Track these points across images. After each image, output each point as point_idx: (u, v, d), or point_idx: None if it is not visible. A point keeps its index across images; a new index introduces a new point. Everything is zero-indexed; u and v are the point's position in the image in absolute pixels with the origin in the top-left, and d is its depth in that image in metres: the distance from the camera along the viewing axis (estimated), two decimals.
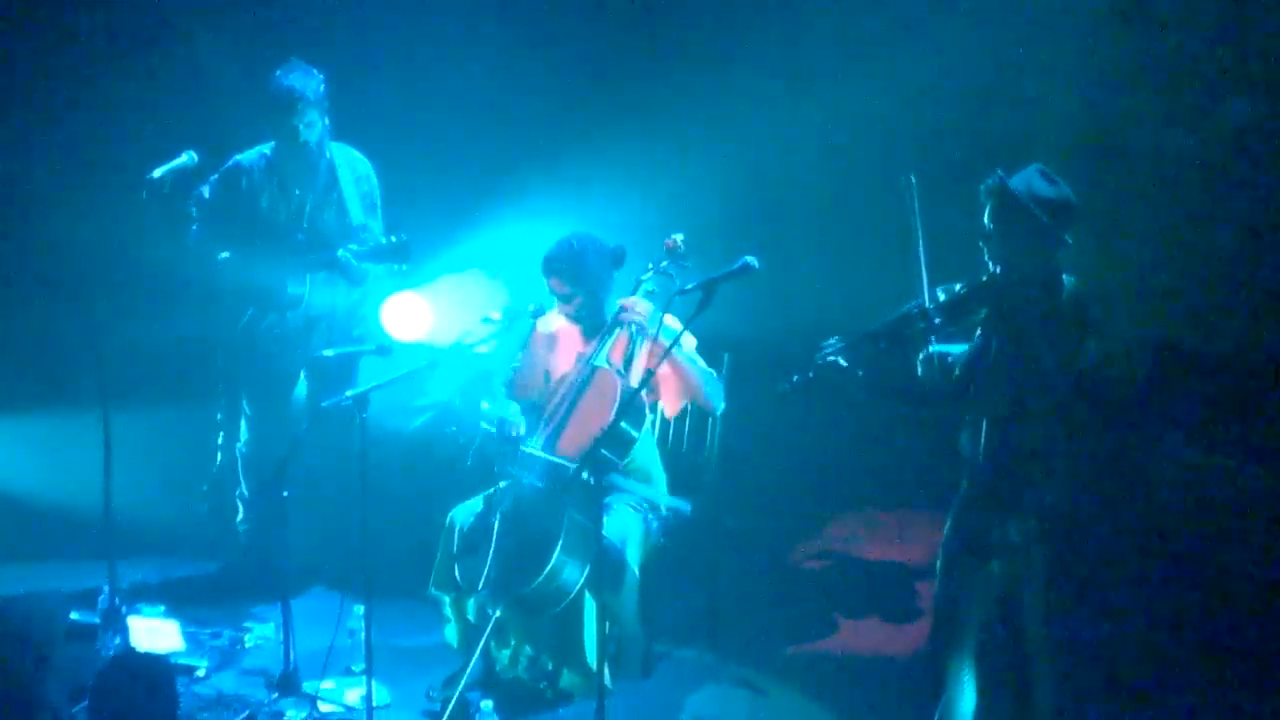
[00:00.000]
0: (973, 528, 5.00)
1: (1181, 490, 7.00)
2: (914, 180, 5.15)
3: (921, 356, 5.09)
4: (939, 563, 5.08)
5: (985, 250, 5.01)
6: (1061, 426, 5.03)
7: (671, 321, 5.82)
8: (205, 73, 7.86)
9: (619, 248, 6.12)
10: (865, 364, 5.05)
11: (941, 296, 5.04)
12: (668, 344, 5.57)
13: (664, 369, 5.84)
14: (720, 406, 6.10)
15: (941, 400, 5.10)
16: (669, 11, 7.88)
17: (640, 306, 5.98)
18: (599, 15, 7.90)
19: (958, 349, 5.06)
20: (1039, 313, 4.92)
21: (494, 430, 6.06)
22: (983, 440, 4.99)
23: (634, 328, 5.99)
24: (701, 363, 6.05)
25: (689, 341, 6.03)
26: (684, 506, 5.97)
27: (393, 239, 6.72)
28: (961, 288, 5.05)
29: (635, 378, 5.93)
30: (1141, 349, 7.49)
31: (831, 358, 5.03)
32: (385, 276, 7.04)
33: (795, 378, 5.09)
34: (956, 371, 5.01)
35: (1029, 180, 4.93)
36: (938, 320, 4.99)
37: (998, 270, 4.98)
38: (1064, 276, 5.03)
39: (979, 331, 4.99)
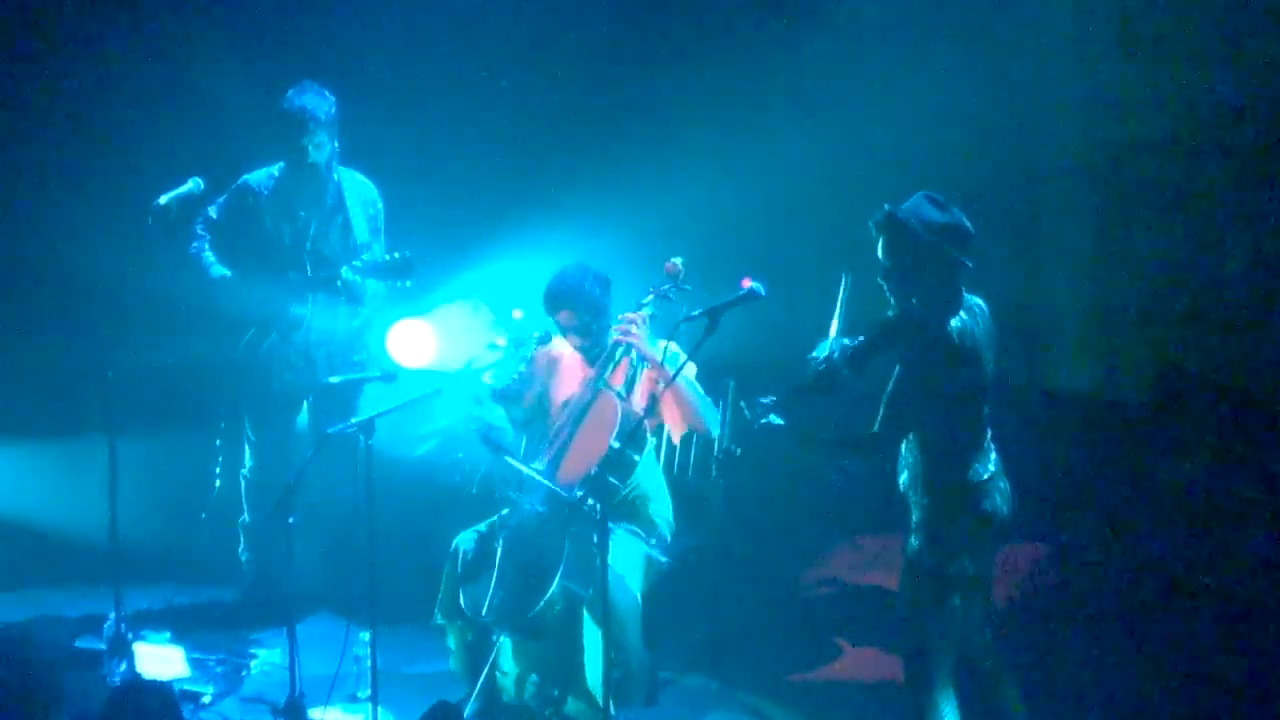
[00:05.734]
0: (930, 566, 4.99)
1: (1186, 513, 7.00)
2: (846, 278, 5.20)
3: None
4: (899, 600, 5.09)
5: (885, 287, 4.99)
6: (990, 447, 5.03)
7: (674, 349, 5.82)
8: (213, 100, 7.88)
9: (604, 271, 6.14)
10: (795, 419, 5.08)
11: (847, 343, 5.03)
12: (667, 368, 5.58)
13: (664, 393, 5.85)
14: (716, 431, 6.10)
15: (867, 445, 5.10)
16: (671, 38, 7.91)
17: (636, 327, 5.96)
18: (601, 42, 7.93)
19: None
20: (943, 340, 4.90)
21: (478, 431, 6.08)
22: (923, 476, 4.99)
23: (634, 353, 5.99)
24: (699, 389, 6.06)
25: (688, 370, 6.03)
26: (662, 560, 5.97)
27: (395, 255, 6.73)
28: (867, 332, 5.03)
29: (636, 401, 5.95)
30: (1146, 373, 7.50)
31: (765, 420, 5.04)
32: (387, 300, 7.06)
33: (738, 450, 5.16)
34: (879, 414, 4.99)
35: (917, 208, 4.91)
36: (845, 372, 4.98)
37: (900, 305, 4.97)
38: (972, 299, 5.03)
39: (896, 370, 4.98)
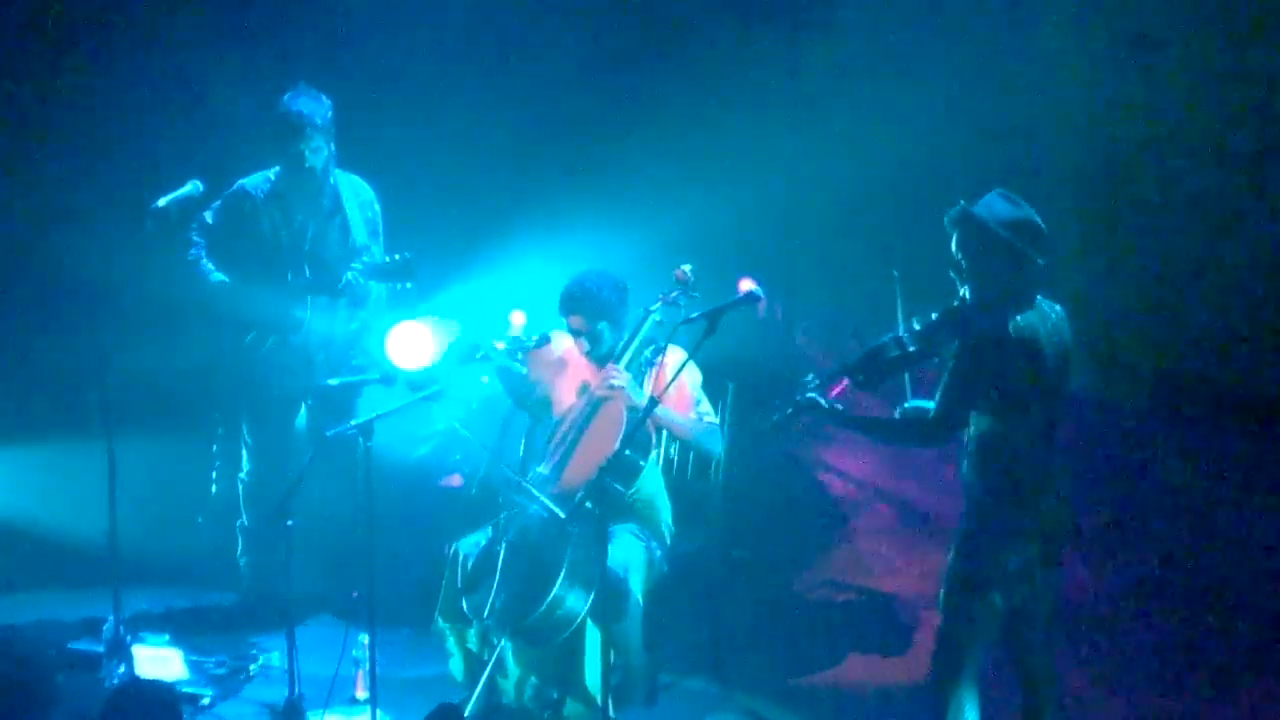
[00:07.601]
0: (972, 559, 5.01)
1: (1183, 518, 7.00)
2: (897, 275, 5.31)
3: (900, 408, 5.22)
4: (941, 594, 5.09)
5: (956, 280, 5.05)
6: (1050, 449, 5.04)
7: (674, 354, 5.80)
8: (211, 102, 7.88)
9: (622, 279, 6.14)
10: (842, 399, 5.11)
11: (916, 327, 5.08)
12: (656, 413, 5.59)
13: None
14: (717, 452, 6.11)
15: (917, 431, 5.13)
16: (675, 45, 7.91)
17: (617, 380, 5.94)
18: (605, 49, 7.93)
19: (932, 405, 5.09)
20: (998, 331, 4.93)
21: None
22: (976, 467, 5.02)
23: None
24: (704, 405, 6.06)
25: (692, 379, 6.03)
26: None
27: (396, 257, 6.71)
28: (934, 315, 5.08)
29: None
30: (1144, 378, 7.50)
31: (810, 395, 5.09)
32: (387, 303, 7.05)
33: (775, 416, 5.18)
34: (935, 399, 5.03)
35: (990, 205, 4.99)
36: (912, 348, 5.03)
37: (968, 296, 5.02)
38: (1048, 304, 5.06)
39: (952, 360, 5.01)
